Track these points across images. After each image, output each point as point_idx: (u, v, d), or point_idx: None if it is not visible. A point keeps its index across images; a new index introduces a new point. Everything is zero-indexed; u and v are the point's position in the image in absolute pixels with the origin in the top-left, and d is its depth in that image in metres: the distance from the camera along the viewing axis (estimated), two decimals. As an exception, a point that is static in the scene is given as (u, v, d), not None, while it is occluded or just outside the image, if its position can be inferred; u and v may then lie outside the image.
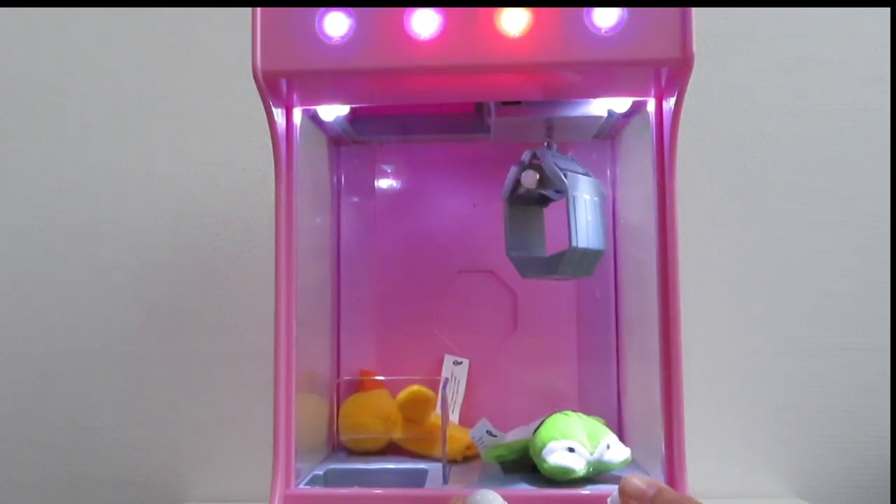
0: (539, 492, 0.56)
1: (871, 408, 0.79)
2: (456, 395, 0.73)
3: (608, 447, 0.60)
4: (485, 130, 0.68)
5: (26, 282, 0.83)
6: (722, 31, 0.81)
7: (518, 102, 0.62)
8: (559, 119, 0.63)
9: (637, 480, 0.48)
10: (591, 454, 0.59)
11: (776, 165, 0.81)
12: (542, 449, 0.59)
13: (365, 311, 0.75)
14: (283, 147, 0.57)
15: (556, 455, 0.58)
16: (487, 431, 0.64)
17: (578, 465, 0.58)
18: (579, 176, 0.62)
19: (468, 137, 0.73)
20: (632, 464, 0.61)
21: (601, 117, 0.63)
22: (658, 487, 0.47)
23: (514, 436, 0.64)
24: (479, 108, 0.68)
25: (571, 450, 0.58)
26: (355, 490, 0.58)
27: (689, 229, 0.79)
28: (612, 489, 0.51)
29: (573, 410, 0.64)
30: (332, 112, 0.65)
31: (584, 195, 0.61)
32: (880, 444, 0.79)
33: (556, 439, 0.59)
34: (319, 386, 0.69)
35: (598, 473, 0.60)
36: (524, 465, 0.62)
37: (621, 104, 0.62)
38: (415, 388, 0.70)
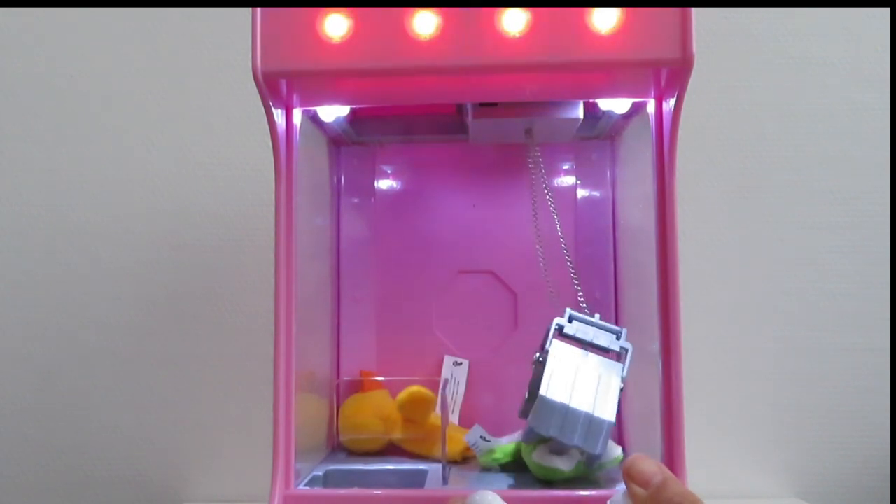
0: (539, 493, 0.56)
1: (871, 408, 0.79)
2: (456, 395, 0.73)
3: None
4: (465, 132, 0.68)
5: (26, 281, 0.83)
6: (722, 31, 0.81)
7: (496, 104, 0.61)
8: (537, 121, 0.63)
9: (643, 464, 0.43)
10: (581, 453, 0.59)
11: (776, 165, 0.81)
12: (531, 450, 0.59)
13: (365, 311, 0.75)
14: (282, 147, 0.57)
15: (543, 455, 0.58)
16: (481, 437, 0.64)
17: (566, 465, 0.58)
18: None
19: (468, 138, 0.73)
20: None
21: (578, 119, 0.62)
22: (664, 476, 0.43)
23: (509, 439, 0.64)
24: (459, 110, 0.68)
25: None
26: (355, 491, 0.58)
27: (689, 229, 0.79)
28: (612, 491, 0.51)
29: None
30: (332, 112, 0.64)
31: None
32: (880, 444, 0.79)
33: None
34: (319, 386, 0.69)
35: (589, 472, 0.60)
36: (523, 467, 0.62)
37: (621, 105, 0.62)
38: (414, 388, 0.70)
